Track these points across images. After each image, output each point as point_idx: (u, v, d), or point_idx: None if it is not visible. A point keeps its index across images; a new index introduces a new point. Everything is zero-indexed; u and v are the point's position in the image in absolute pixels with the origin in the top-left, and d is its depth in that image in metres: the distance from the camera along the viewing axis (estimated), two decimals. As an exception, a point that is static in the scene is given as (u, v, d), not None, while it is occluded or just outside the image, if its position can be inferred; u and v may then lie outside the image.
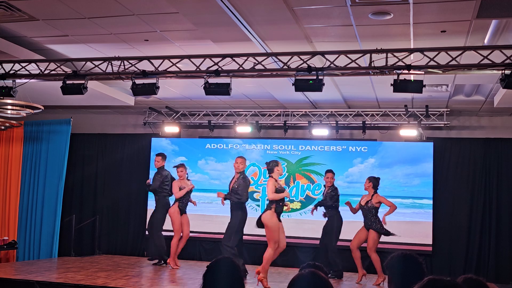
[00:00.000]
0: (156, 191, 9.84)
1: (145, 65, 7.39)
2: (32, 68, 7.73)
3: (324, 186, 9.42)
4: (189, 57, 7.27)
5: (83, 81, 7.55)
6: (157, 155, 10.05)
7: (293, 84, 7.00)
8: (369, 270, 8.89)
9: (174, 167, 9.60)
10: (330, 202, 9.09)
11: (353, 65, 6.72)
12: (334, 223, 9.06)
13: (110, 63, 7.45)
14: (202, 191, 10.97)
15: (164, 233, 9.73)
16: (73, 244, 10.79)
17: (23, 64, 7.73)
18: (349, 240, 8.91)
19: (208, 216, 10.95)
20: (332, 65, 6.77)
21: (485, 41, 6.69)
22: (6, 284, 7.20)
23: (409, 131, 10.15)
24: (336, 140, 10.71)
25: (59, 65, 7.73)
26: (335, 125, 10.57)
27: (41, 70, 7.70)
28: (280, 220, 7.60)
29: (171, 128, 11.29)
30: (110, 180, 11.85)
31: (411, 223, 10.10)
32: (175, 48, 7.58)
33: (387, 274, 3.10)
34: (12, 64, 7.75)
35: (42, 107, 9.01)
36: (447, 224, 10.06)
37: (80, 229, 11.21)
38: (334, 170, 9.35)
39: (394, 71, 6.62)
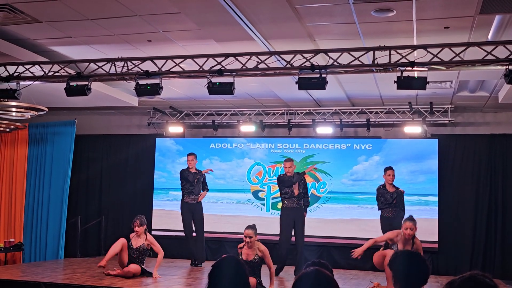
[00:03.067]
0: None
1: (148, 66, 7.40)
2: (36, 70, 7.75)
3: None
4: (192, 57, 7.27)
5: (86, 83, 7.57)
6: (189, 154, 9.84)
7: (296, 83, 7.00)
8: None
9: None
10: None
11: (356, 62, 6.71)
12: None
13: (113, 64, 7.47)
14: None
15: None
16: (79, 245, 10.81)
17: (27, 66, 7.76)
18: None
19: (214, 215, 10.94)
20: (335, 63, 6.76)
21: (489, 36, 6.67)
22: (13, 286, 7.23)
23: (414, 128, 10.13)
24: (341, 138, 10.69)
25: (62, 66, 7.75)
26: (339, 123, 10.55)
27: (45, 72, 7.72)
28: None
29: (175, 128, 11.29)
30: (115, 181, 11.86)
31: (417, 220, 10.05)
32: (178, 48, 7.59)
33: (391, 271, 3.10)
34: (16, 66, 7.78)
35: (47, 109, 9.04)
36: (453, 221, 10.01)
37: (86, 230, 11.23)
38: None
39: (398, 68, 6.61)
